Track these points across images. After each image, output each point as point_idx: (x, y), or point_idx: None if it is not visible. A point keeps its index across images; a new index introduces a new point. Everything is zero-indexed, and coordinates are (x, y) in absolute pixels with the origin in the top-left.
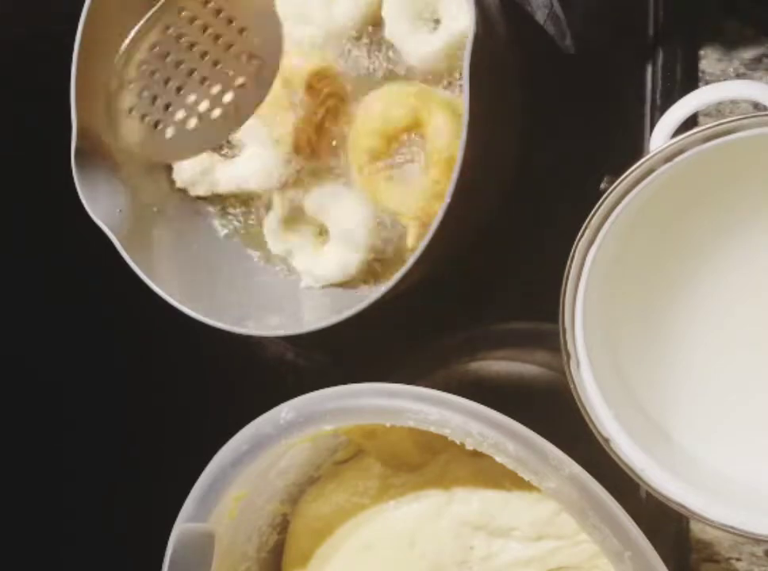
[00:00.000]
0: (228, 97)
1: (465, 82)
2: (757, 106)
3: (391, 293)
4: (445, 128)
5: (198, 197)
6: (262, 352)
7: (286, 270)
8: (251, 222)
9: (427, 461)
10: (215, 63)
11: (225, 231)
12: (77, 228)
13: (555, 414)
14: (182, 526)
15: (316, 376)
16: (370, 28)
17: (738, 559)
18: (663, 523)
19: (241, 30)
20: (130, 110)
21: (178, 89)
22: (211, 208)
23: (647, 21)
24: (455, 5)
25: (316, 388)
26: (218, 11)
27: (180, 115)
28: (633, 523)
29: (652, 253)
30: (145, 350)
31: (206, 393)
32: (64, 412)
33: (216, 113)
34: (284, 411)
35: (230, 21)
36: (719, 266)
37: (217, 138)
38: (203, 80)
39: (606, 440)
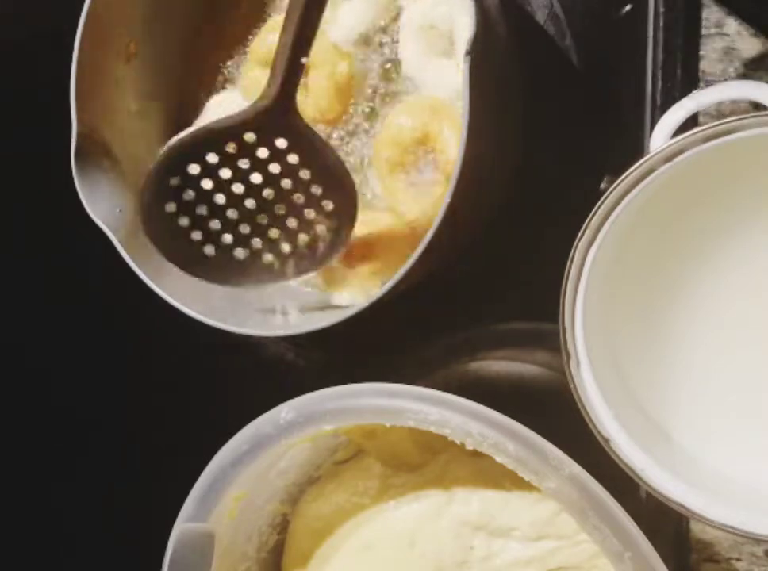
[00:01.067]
0: (286, 248)
1: (465, 82)
2: (757, 106)
3: (391, 293)
4: (453, 142)
5: None
6: (262, 352)
7: None
8: None
9: (427, 461)
10: (286, 209)
11: None
12: (77, 228)
13: (555, 414)
14: (182, 526)
15: (316, 376)
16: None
17: (738, 559)
18: (663, 523)
19: (313, 186)
20: (174, 215)
21: (227, 212)
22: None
23: (646, 21)
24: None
25: (316, 389)
26: (288, 154)
27: (227, 239)
28: (633, 523)
29: (652, 253)
30: (145, 350)
31: (206, 393)
32: (64, 412)
33: (269, 257)
34: (284, 411)
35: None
36: (719, 266)
37: (258, 280)
38: (261, 215)
39: (606, 440)
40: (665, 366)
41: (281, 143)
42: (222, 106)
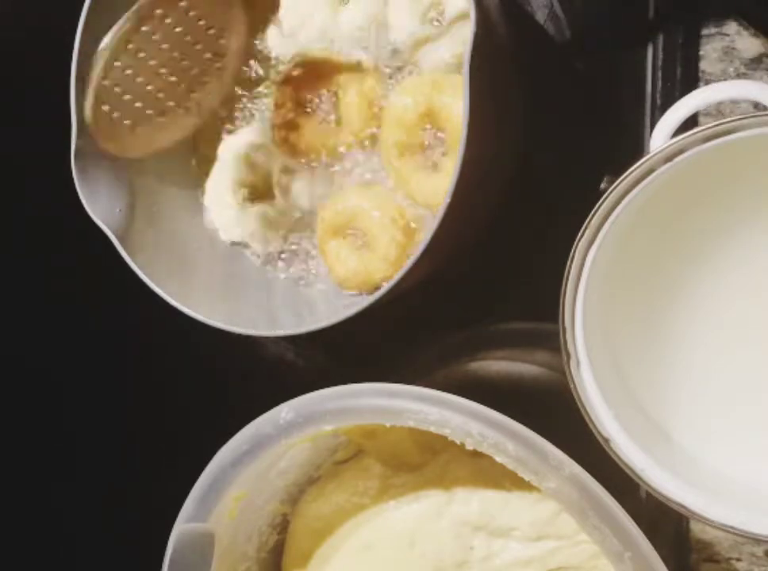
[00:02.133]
0: (194, 96)
1: (465, 82)
2: (757, 106)
3: (391, 293)
4: (457, 109)
5: None
6: (262, 352)
7: (286, 269)
8: None
9: (427, 461)
10: (183, 61)
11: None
12: (77, 228)
13: (555, 414)
14: (182, 527)
15: (316, 376)
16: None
17: (738, 559)
18: (663, 523)
19: (208, 29)
20: (111, 112)
21: (148, 86)
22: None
23: (646, 21)
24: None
25: (316, 389)
26: (188, 10)
27: (150, 112)
28: (633, 523)
29: (652, 253)
30: (145, 350)
31: (206, 393)
32: (64, 412)
33: (182, 110)
34: (284, 411)
35: (199, 20)
36: (719, 266)
37: (182, 132)
38: (171, 77)
39: (606, 440)
40: (665, 366)
41: (183, 4)
42: None
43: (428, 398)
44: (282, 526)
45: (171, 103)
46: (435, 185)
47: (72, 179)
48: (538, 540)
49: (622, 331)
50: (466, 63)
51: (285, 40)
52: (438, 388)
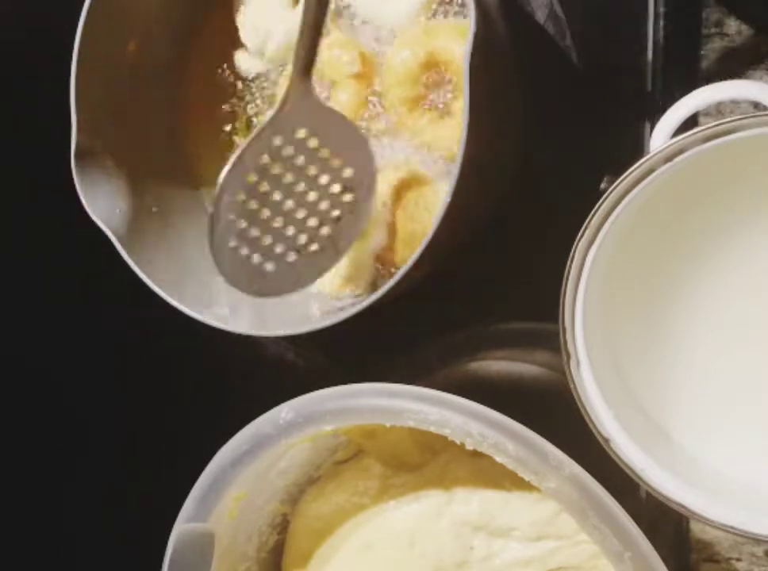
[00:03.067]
0: (324, 231)
1: (465, 82)
2: (757, 106)
3: (391, 293)
4: (456, 49)
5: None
6: (262, 352)
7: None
8: None
9: (427, 461)
10: (309, 196)
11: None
12: (77, 228)
13: (555, 414)
14: (182, 527)
15: (316, 376)
16: None
17: (738, 559)
18: (663, 523)
19: (334, 160)
20: (235, 249)
21: (274, 223)
22: (212, 208)
23: (646, 21)
24: None
25: (316, 389)
26: (308, 140)
27: (279, 249)
28: (633, 523)
29: (652, 253)
30: (145, 350)
31: (206, 393)
32: (64, 412)
33: (314, 246)
34: (284, 411)
35: (320, 151)
36: (719, 266)
37: (317, 272)
38: (298, 213)
39: (606, 440)
40: (665, 366)
41: (302, 133)
42: None
43: (428, 398)
44: (282, 526)
45: (303, 240)
46: (452, 130)
47: (72, 179)
48: (538, 540)
49: (622, 331)
50: (466, 63)
51: (253, 59)
52: (438, 388)
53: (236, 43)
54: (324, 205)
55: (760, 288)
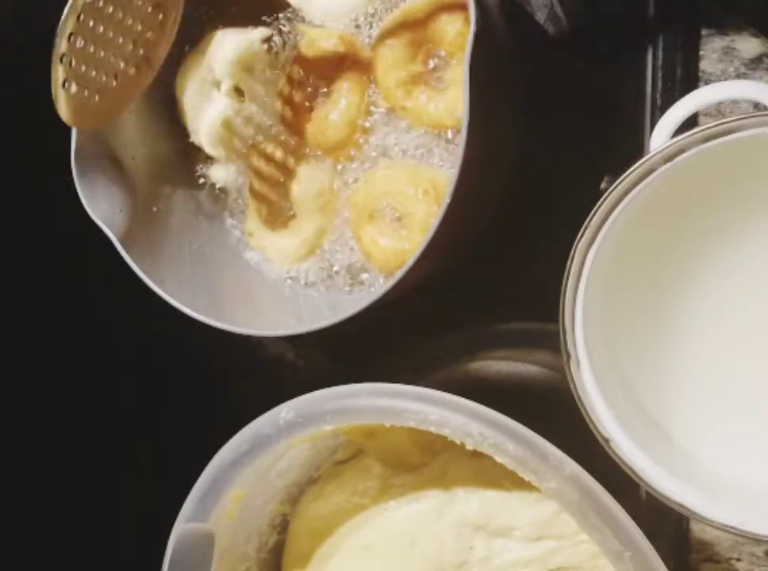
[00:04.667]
0: (140, 51)
1: (465, 81)
2: (757, 106)
3: (391, 293)
4: (445, 20)
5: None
6: (262, 352)
7: (287, 270)
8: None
9: (427, 462)
10: (124, 20)
11: (226, 231)
12: (77, 227)
13: (555, 414)
14: (182, 527)
15: (316, 376)
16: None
17: (738, 559)
18: (663, 523)
19: None
20: (63, 83)
21: (100, 53)
22: (212, 209)
23: (646, 21)
24: None
25: (316, 389)
26: None
27: (103, 78)
28: (633, 523)
29: (652, 253)
30: (145, 350)
31: (206, 393)
32: (64, 413)
33: (132, 69)
34: (284, 411)
35: None
36: (719, 266)
37: (136, 92)
38: (116, 39)
39: (606, 440)
40: (665, 366)
41: None
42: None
43: (428, 398)
44: (282, 527)
45: (122, 65)
46: (453, 100)
47: (72, 179)
48: (538, 540)
49: (622, 331)
50: (466, 63)
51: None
52: (438, 389)
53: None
54: (137, 27)
55: (760, 288)
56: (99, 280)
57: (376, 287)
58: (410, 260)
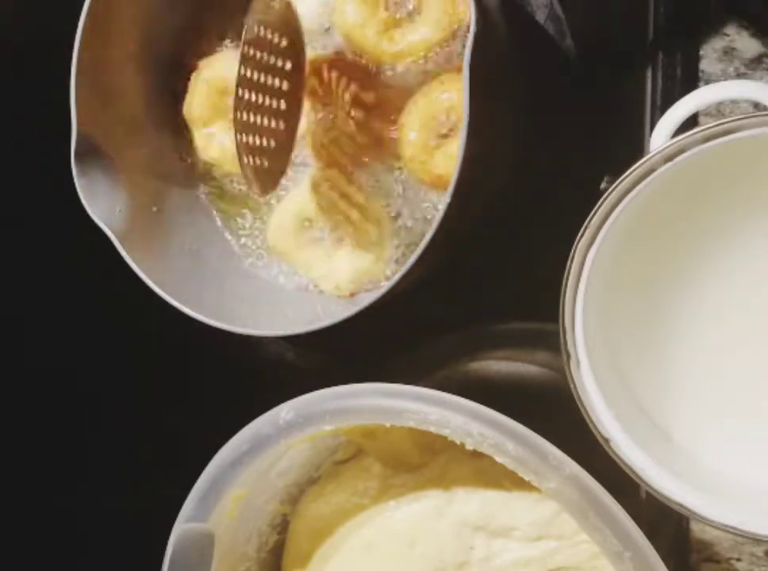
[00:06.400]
0: (282, 105)
1: (465, 82)
2: (757, 106)
3: (391, 293)
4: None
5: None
6: (262, 352)
7: (287, 270)
8: (253, 223)
9: (427, 462)
10: (272, 83)
11: (226, 231)
12: (77, 227)
13: (555, 414)
14: (182, 527)
15: (316, 376)
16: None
17: (738, 559)
18: (663, 523)
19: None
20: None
21: (255, 121)
22: (212, 208)
23: (647, 21)
24: None
25: (316, 389)
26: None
27: (264, 142)
28: (633, 523)
29: (652, 253)
30: (145, 350)
31: (206, 393)
32: (63, 413)
33: (282, 123)
34: (284, 411)
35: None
36: (719, 267)
37: (291, 144)
38: (267, 102)
39: (606, 440)
40: (665, 366)
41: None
42: None
43: (428, 398)
44: (282, 527)
45: (274, 124)
46: (430, 20)
47: (72, 179)
48: (538, 540)
49: (622, 331)
50: (466, 63)
51: None
52: (438, 388)
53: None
54: (279, 84)
55: (760, 288)
56: (99, 280)
57: (376, 287)
58: (410, 260)
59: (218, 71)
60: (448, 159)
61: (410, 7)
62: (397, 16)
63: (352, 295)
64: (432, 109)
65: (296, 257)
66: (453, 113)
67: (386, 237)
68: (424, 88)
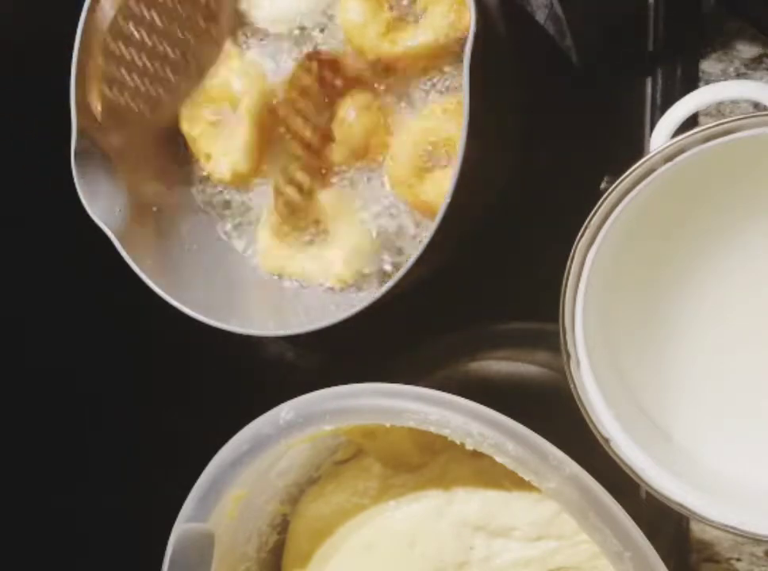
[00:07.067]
0: (191, 62)
1: (465, 82)
2: (757, 106)
3: (391, 293)
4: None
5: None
6: (262, 352)
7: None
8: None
9: (427, 462)
10: (172, 29)
11: (225, 231)
12: (77, 227)
13: (555, 414)
14: (182, 527)
15: (316, 376)
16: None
17: (738, 559)
18: (663, 523)
19: None
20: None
21: (143, 60)
22: (211, 208)
23: (647, 21)
24: None
25: (316, 389)
26: None
27: (151, 90)
28: (633, 523)
29: (652, 253)
30: (145, 350)
31: (206, 393)
32: (63, 413)
33: (183, 79)
34: (284, 411)
35: None
36: (719, 267)
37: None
38: (169, 53)
39: (606, 440)
40: (665, 366)
41: None
42: None
43: (428, 398)
44: (282, 527)
45: (171, 76)
46: (435, 14)
47: (72, 179)
48: (538, 540)
49: (622, 331)
50: (466, 63)
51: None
52: (438, 388)
53: (236, 42)
54: (190, 40)
55: (760, 288)
56: (99, 280)
57: (376, 287)
58: (410, 260)
59: None
60: (437, 187)
61: (415, 9)
62: (400, 15)
63: (355, 282)
64: (425, 137)
65: (292, 270)
66: (449, 145)
67: (352, 212)
68: (425, 111)
